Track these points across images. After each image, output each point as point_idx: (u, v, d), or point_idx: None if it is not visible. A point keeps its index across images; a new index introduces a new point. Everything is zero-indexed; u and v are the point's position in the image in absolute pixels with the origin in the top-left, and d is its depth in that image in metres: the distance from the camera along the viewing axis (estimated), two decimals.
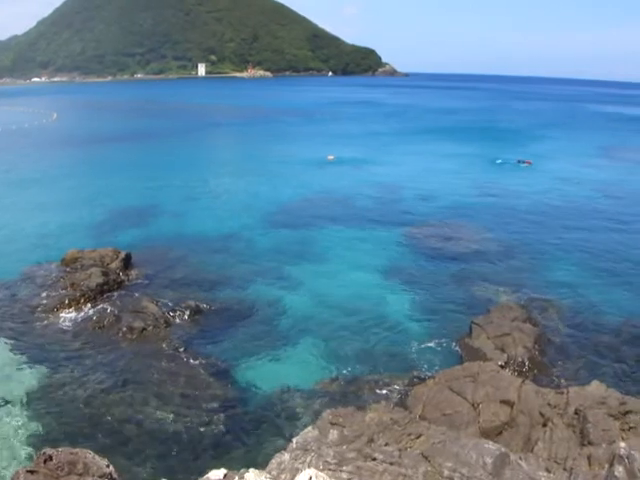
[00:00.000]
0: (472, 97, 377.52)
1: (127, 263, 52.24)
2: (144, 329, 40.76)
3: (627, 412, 21.72)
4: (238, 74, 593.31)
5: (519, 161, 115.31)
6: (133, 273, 51.50)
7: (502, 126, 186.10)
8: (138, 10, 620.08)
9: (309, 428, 22.12)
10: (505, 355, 36.64)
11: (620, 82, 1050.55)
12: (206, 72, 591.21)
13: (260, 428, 30.74)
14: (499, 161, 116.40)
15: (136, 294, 46.71)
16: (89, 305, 44.54)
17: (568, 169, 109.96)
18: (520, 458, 19.56)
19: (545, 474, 18.81)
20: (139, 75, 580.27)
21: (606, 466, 18.98)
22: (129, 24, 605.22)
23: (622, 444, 19.36)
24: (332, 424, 22.15)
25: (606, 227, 70.45)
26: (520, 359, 36.56)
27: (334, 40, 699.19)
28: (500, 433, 25.13)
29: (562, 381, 34.47)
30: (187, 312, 43.67)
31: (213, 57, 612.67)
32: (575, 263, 57.27)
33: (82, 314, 43.35)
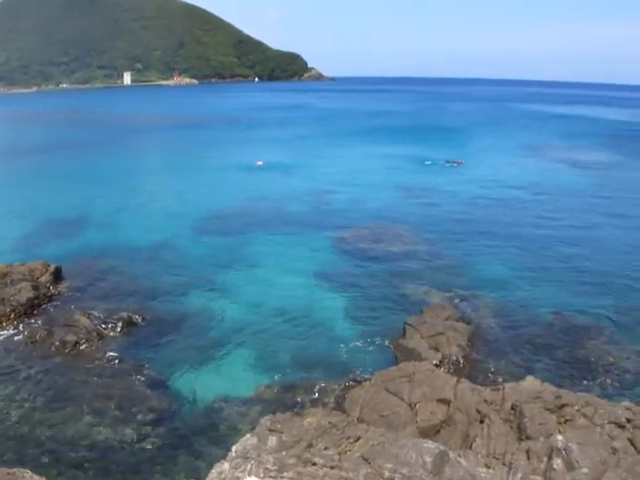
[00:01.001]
0: (402, 100, 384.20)
1: (57, 276, 50.93)
2: (77, 343, 39.73)
3: (563, 405, 22.00)
4: (164, 82, 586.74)
5: (447, 161, 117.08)
6: (64, 286, 50.23)
7: (432, 127, 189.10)
8: (63, 19, 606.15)
9: (248, 436, 21.84)
10: (439, 354, 36.89)
11: (546, 81, 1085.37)
12: (132, 81, 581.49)
13: (199, 438, 30.25)
14: (428, 162, 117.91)
15: (68, 307, 45.56)
16: (20, 320, 43.28)
17: (496, 168, 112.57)
18: (459, 455, 19.64)
19: (485, 470, 18.92)
20: (64, 85, 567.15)
21: (544, 459, 19.22)
22: (53, 33, 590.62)
23: (559, 437, 19.67)
24: (271, 431, 21.91)
25: (533, 224, 72.01)
26: (454, 357, 36.87)
27: (259, 46, 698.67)
28: (438, 432, 25.22)
29: (497, 377, 34.88)
30: (120, 324, 42.76)
31: (139, 65, 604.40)
32: (504, 261, 58.21)
33: (13, 330, 42.07)
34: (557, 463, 18.66)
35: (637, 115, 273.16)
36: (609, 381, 35.77)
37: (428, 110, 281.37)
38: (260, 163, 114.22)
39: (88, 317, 42.98)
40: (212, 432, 30.78)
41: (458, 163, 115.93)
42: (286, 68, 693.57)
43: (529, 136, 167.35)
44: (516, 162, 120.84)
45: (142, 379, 35.71)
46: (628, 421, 20.95)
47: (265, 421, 22.79)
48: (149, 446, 29.46)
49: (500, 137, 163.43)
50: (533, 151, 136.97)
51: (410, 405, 27.06)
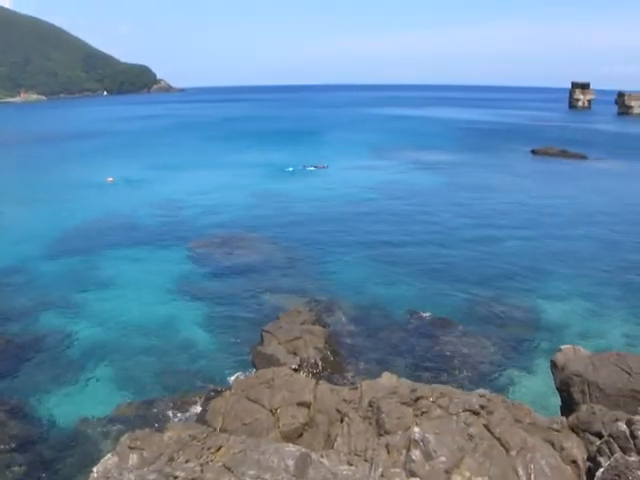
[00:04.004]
0: (256, 107, 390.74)
1: None
2: None
3: (418, 398, 22.48)
4: (11, 99, 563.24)
5: (311, 166, 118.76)
6: None
7: (290, 133, 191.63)
8: None
9: (109, 455, 21.26)
10: (298, 358, 37.17)
11: (388, 85, 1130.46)
12: None
13: (62, 462, 29.30)
14: (290, 169, 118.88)
15: None
16: None
17: (352, 171, 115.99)
18: (322, 456, 19.75)
19: (347, 467, 19.10)
20: None
21: (404, 452, 19.61)
22: None
23: (416, 429, 20.15)
24: (131, 448, 21.38)
25: (387, 225, 74.19)
26: (313, 360, 37.26)
27: (108, 59, 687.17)
28: (301, 435, 25.30)
29: (356, 377, 35.55)
30: None
31: None
32: (358, 263, 59.40)
33: None
34: (415, 454, 19.11)
35: (485, 114, 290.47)
36: (464, 372, 37.44)
37: (284, 117, 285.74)
38: (111, 179, 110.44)
39: None
40: (75, 455, 29.87)
41: (322, 167, 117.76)
42: (135, 81, 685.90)
43: (385, 139, 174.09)
44: (371, 164, 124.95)
45: (1, 407, 34.11)
46: (482, 407, 21.70)
47: (125, 439, 22.19)
48: (11, 475, 28.35)
49: (356, 140, 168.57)
50: (388, 153, 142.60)
51: (271, 411, 27.00)
